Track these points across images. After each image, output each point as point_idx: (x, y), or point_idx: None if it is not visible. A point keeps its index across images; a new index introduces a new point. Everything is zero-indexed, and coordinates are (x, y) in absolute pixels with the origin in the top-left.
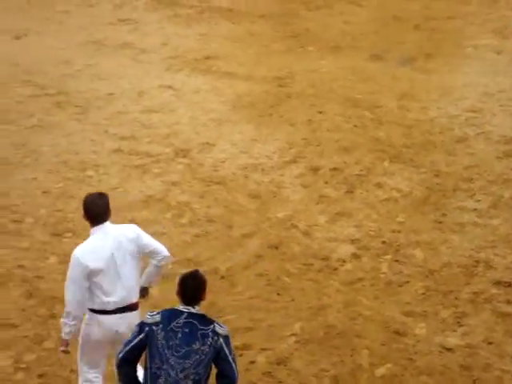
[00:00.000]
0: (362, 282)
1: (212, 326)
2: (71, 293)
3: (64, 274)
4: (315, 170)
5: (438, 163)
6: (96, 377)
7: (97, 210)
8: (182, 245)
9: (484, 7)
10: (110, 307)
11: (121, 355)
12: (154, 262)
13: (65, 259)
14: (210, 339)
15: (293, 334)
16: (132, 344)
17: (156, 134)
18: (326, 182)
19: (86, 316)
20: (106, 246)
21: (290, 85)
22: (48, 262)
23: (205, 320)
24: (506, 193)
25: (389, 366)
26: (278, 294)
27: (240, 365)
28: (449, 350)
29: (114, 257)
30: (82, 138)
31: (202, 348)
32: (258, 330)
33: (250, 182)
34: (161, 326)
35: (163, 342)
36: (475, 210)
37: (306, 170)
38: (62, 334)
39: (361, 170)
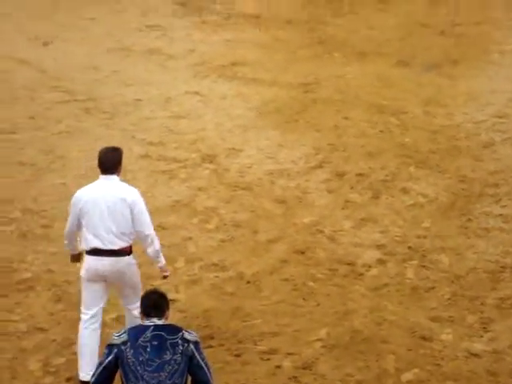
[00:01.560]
0: (388, 287)
1: (180, 333)
2: (68, 223)
3: None
4: (341, 175)
5: (464, 168)
6: (90, 318)
7: (106, 162)
8: (209, 250)
9: (511, 12)
10: (93, 249)
11: (93, 379)
12: (145, 248)
13: None
14: (180, 347)
15: (318, 339)
16: (102, 366)
17: (183, 139)
18: (352, 188)
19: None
20: (100, 194)
21: (315, 91)
22: (76, 266)
23: (172, 329)
24: None
25: (415, 371)
26: (304, 299)
27: (266, 369)
28: (475, 355)
29: (103, 205)
30: (110, 143)
31: (173, 358)
32: (283, 335)
33: (275, 187)
34: (129, 344)
35: (133, 359)
36: (501, 215)
37: (332, 175)
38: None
39: (386, 176)
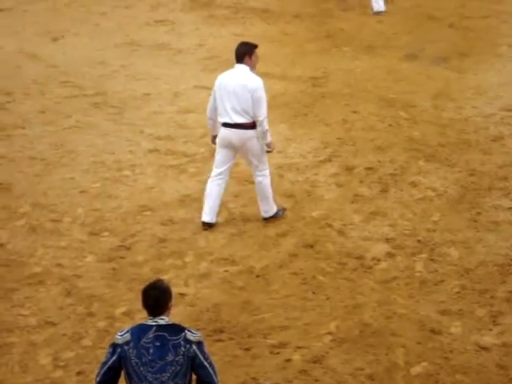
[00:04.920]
0: (397, 280)
1: (183, 334)
2: (209, 102)
3: (102, 272)
4: (350, 169)
5: (473, 162)
6: (217, 175)
7: (237, 52)
8: (218, 244)
9: None
10: (223, 122)
11: (97, 379)
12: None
13: (102, 258)
14: (182, 348)
15: (328, 333)
16: (106, 366)
17: (192, 133)
18: (361, 181)
19: None
20: (229, 79)
21: (324, 85)
22: (86, 260)
23: (175, 330)
24: None
25: (424, 364)
26: (313, 292)
27: (276, 363)
28: (484, 348)
29: (231, 88)
30: (119, 138)
31: (176, 359)
32: (293, 329)
33: (284, 181)
34: (131, 344)
35: (137, 360)
36: (510, 208)
37: (341, 169)
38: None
39: (395, 170)
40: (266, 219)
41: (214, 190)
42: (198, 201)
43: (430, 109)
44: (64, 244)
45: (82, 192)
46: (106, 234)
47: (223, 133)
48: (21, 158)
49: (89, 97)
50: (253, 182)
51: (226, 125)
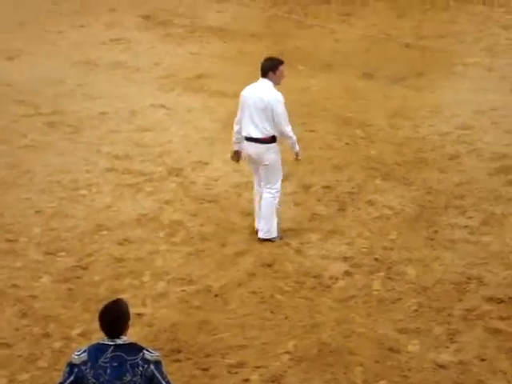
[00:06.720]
0: (355, 299)
1: (141, 354)
2: (236, 116)
3: (58, 293)
4: (307, 187)
5: (430, 180)
6: (258, 190)
7: (262, 67)
8: (175, 263)
9: (473, 25)
10: (245, 136)
11: None
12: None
13: (58, 278)
14: (140, 368)
15: (286, 352)
16: None
17: (149, 152)
18: (318, 200)
19: None
20: (251, 93)
21: None
22: (41, 280)
23: (133, 349)
24: (497, 209)
25: (383, 382)
26: (272, 311)
27: (234, 383)
28: (442, 366)
29: (251, 102)
30: (75, 157)
31: (133, 379)
32: (251, 348)
33: (242, 200)
34: (89, 364)
35: (94, 380)
36: (467, 226)
37: (298, 187)
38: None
39: (353, 188)
40: (261, 239)
41: (257, 203)
42: (154, 220)
43: (386, 127)
44: (19, 264)
45: (38, 212)
46: (63, 253)
47: (244, 146)
48: None
49: (45, 116)
50: (210, 201)
51: (246, 138)
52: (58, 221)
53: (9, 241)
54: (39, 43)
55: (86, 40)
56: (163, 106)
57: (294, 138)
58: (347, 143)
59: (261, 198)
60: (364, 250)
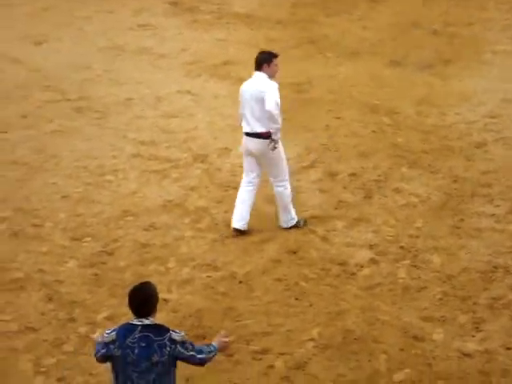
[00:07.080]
0: (380, 287)
1: (168, 334)
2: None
3: (83, 278)
4: (333, 175)
5: (456, 169)
6: (246, 183)
7: (256, 60)
8: (200, 250)
9: (502, 13)
10: (244, 131)
11: (97, 355)
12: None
13: (84, 263)
14: (167, 348)
15: (311, 339)
16: (98, 356)
17: (175, 138)
18: (344, 187)
19: None
20: (248, 86)
21: (308, 91)
22: (67, 265)
23: (160, 330)
24: None
25: (407, 371)
26: (296, 299)
27: (258, 369)
28: (467, 355)
29: (248, 94)
30: (102, 142)
31: (161, 359)
32: (276, 335)
33: (267, 187)
34: (117, 343)
35: (122, 359)
36: (493, 215)
37: (324, 175)
38: None
39: (379, 176)
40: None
41: (243, 197)
42: (180, 206)
43: (413, 115)
44: (45, 249)
45: (64, 197)
46: (88, 239)
47: (244, 141)
48: (2, 162)
49: (71, 101)
50: (235, 188)
51: (246, 134)
52: (84, 206)
53: (35, 226)
54: (66, 29)
55: (113, 26)
56: (189, 93)
57: (279, 125)
58: (373, 131)
59: (247, 192)
60: (390, 237)
